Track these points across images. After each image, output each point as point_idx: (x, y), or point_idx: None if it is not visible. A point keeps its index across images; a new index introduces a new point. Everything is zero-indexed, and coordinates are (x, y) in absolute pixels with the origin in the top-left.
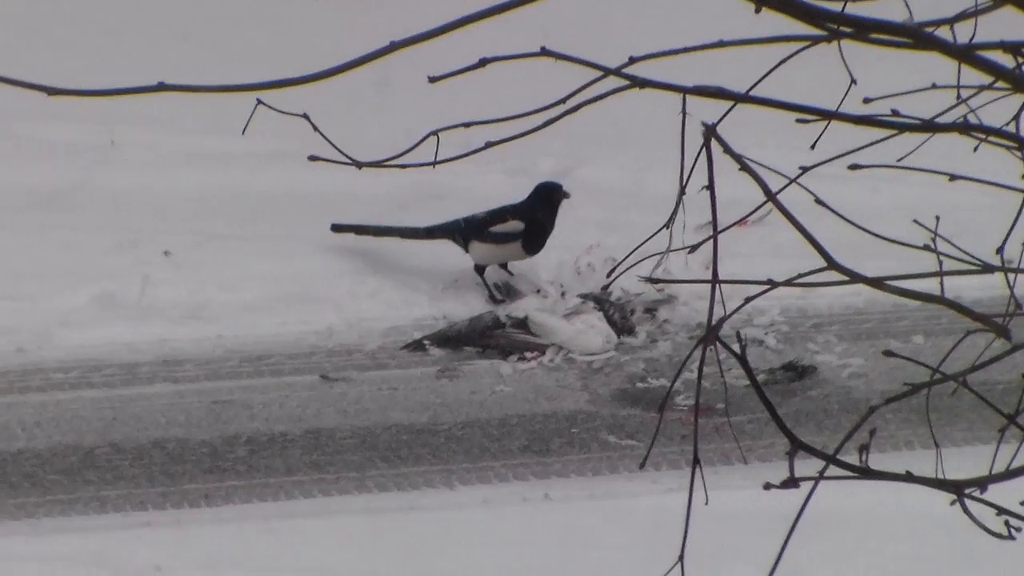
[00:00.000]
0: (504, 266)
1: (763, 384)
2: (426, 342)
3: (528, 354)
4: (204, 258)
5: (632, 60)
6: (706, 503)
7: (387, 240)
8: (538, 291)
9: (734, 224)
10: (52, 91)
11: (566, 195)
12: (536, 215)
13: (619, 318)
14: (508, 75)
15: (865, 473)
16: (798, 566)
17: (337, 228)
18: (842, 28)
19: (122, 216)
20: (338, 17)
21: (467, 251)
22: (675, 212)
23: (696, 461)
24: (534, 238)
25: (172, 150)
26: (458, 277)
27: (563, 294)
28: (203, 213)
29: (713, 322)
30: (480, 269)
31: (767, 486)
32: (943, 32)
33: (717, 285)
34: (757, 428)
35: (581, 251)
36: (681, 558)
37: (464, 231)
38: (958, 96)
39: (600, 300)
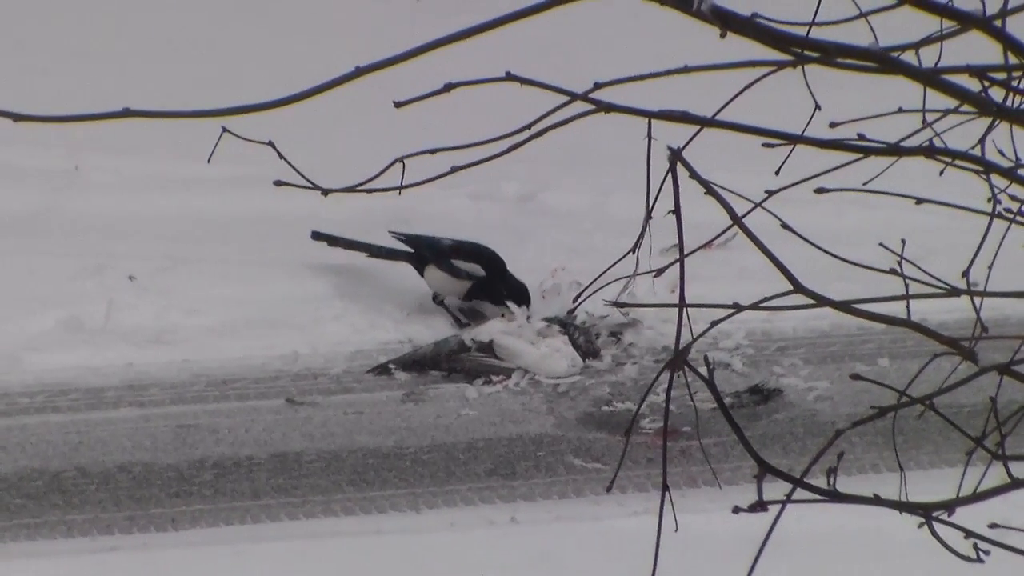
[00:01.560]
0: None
1: (729, 407)
2: (392, 366)
3: (494, 377)
4: (169, 282)
5: (597, 85)
6: (676, 530)
7: (352, 264)
8: (503, 315)
9: (700, 247)
10: (17, 117)
11: (521, 303)
12: (498, 281)
13: (584, 342)
14: (474, 99)
15: (833, 496)
16: None
17: (316, 236)
18: (807, 53)
19: (87, 241)
20: (303, 43)
21: (421, 274)
22: (641, 236)
23: (665, 487)
24: (481, 291)
25: (137, 175)
26: (423, 301)
27: (528, 318)
28: (168, 237)
29: (681, 346)
30: (438, 299)
31: (735, 509)
32: (909, 56)
33: (684, 309)
34: (723, 451)
35: (546, 274)
36: None
37: (424, 252)
38: (924, 120)
39: (565, 324)
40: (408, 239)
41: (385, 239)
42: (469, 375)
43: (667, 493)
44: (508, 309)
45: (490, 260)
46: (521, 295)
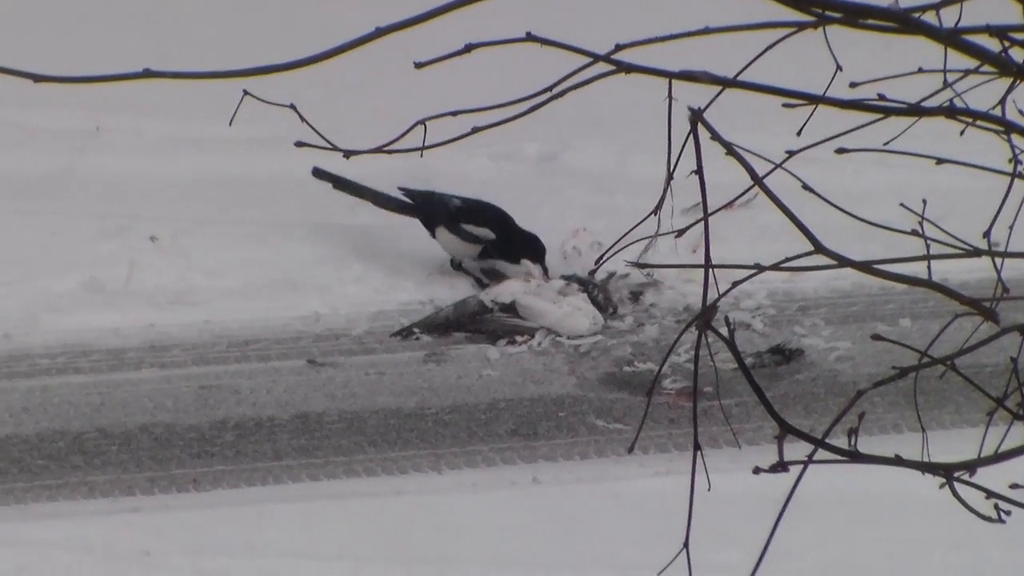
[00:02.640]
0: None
1: (750, 368)
2: (416, 330)
3: (518, 338)
4: (191, 244)
5: (619, 47)
6: (709, 489)
7: (374, 225)
8: (525, 276)
9: (721, 208)
10: (38, 78)
11: (538, 262)
12: (509, 240)
13: (603, 299)
14: (494, 61)
15: (854, 457)
16: (787, 549)
17: (317, 173)
18: (828, 13)
19: (108, 202)
20: (324, 3)
21: (432, 235)
22: (663, 197)
23: (696, 447)
24: (493, 253)
25: (158, 136)
26: (444, 262)
27: (546, 272)
28: (189, 199)
29: (705, 306)
30: (456, 263)
31: (756, 470)
32: (929, 17)
33: (709, 269)
34: (744, 412)
35: (567, 235)
36: (687, 544)
37: (433, 213)
38: (944, 80)
39: (584, 282)
40: (415, 195)
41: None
42: (492, 336)
43: (699, 452)
44: (526, 267)
45: (498, 221)
46: (535, 249)
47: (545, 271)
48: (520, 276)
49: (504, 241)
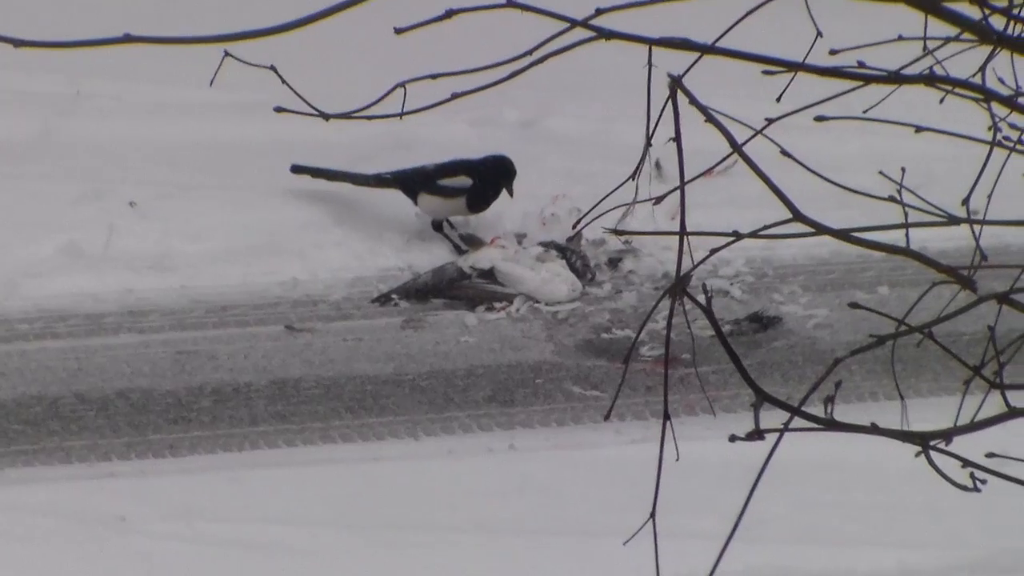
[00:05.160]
0: (449, 223)
1: (728, 335)
2: (394, 296)
3: (497, 304)
4: (169, 208)
5: (599, 11)
6: (677, 459)
7: (353, 191)
8: (490, 242)
9: (700, 175)
10: (18, 43)
11: (509, 190)
12: (485, 176)
13: (581, 265)
14: (475, 26)
15: (830, 425)
16: (763, 516)
17: (297, 169)
18: None
19: (87, 167)
20: None
21: (415, 203)
22: (641, 163)
23: (666, 416)
24: (479, 196)
25: (138, 101)
26: (423, 228)
27: (520, 242)
28: (169, 164)
29: (681, 273)
30: (437, 225)
31: (732, 438)
32: None
33: (685, 237)
34: (721, 379)
35: (546, 201)
36: (653, 514)
37: (412, 182)
38: (924, 48)
39: (561, 248)
40: (394, 176)
41: (384, 167)
42: (471, 302)
43: (668, 422)
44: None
45: (470, 167)
46: (506, 170)
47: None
48: (489, 243)
49: (481, 184)
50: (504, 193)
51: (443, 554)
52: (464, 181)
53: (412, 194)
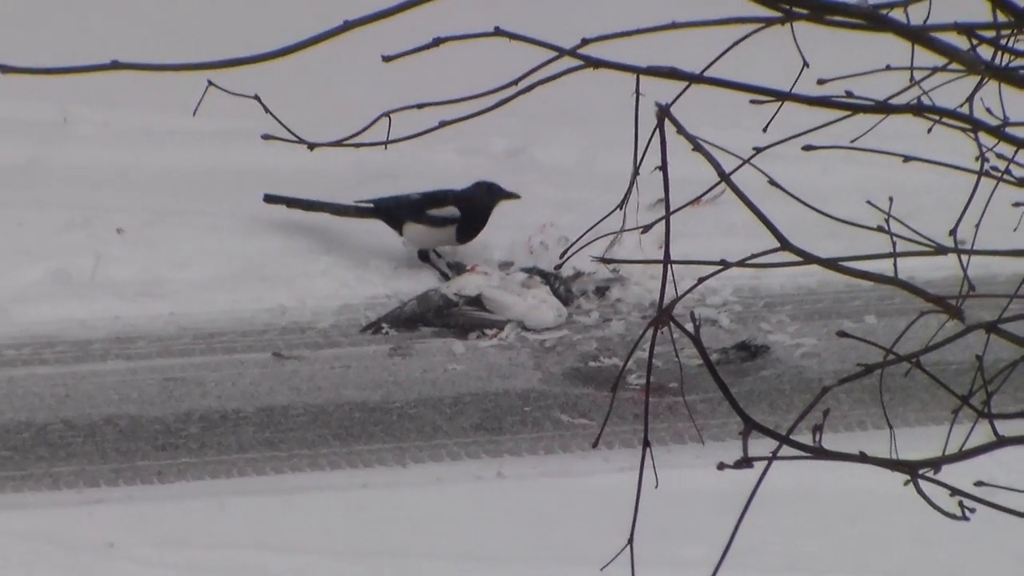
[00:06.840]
0: (436, 252)
1: (716, 364)
2: (384, 325)
3: (487, 331)
4: (157, 235)
5: (585, 41)
6: (656, 486)
7: (340, 219)
8: (470, 269)
9: (688, 204)
10: (5, 69)
11: (512, 196)
12: (472, 205)
13: (565, 292)
14: (462, 55)
15: (819, 453)
16: (752, 544)
17: (269, 199)
18: (796, 10)
19: (75, 193)
20: None
21: (400, 233)
22: (628, 192)
23: (646, 443)
24: (468, 226)
25: (125, 128)
26: (410, 256)
27: (507, 270)
28: (156, 190)
29: (666, 303)
30: (423, 254)
31: (721, 466)
32: (897, 14)
33: (670, 265)
34: (710, 407)
35: (534, 230)
36: (631, 540)
37: (397, 211)
38: (911, 78)
39: (546, 274)
40: (375, 204)
41: (370, 195)
42: (463, 330)
43: (648, 449)
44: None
45: (458, 197)
46: (496, 190)
47: (512, 196)
48: (470, 270)
49: (472, 211)
50: (491, 222)
51: None
52: (453, 211)
53: (396, 223)
